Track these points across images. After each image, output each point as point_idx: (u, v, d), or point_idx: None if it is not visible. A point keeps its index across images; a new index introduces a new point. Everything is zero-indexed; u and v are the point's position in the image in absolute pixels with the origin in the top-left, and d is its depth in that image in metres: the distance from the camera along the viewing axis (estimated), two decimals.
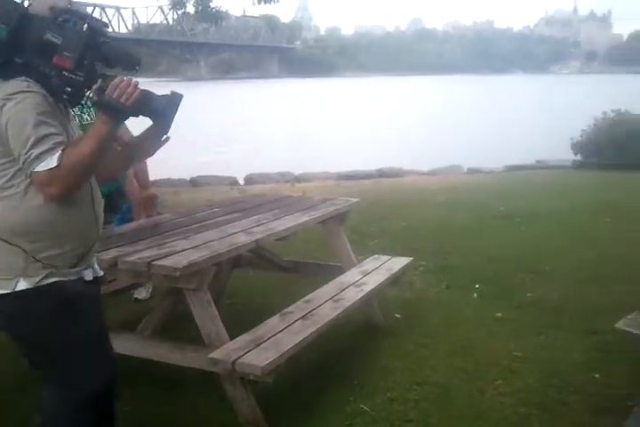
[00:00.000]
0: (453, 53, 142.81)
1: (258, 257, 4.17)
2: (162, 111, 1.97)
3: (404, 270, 4.06)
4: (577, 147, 12.39)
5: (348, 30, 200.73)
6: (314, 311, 3.18)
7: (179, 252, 2.87)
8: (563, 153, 12.85)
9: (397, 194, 8.87)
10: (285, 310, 3.19)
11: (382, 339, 3.78)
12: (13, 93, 1.83)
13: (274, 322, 3.03)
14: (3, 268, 1.93)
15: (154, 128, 2.05)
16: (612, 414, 2.87)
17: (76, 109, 3.48)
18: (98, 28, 1.93)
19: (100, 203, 2.11)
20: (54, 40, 1.85)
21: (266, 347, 2.75)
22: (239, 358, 2.63)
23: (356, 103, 37.58)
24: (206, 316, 2.82)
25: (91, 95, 1.92)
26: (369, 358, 3.53)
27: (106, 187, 2.82)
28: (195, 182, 11.07)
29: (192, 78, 80.00)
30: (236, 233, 3.25)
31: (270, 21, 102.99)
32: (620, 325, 3.11)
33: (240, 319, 3.38)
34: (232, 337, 2.82)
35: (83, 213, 2.00)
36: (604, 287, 4.54)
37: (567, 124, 14.33)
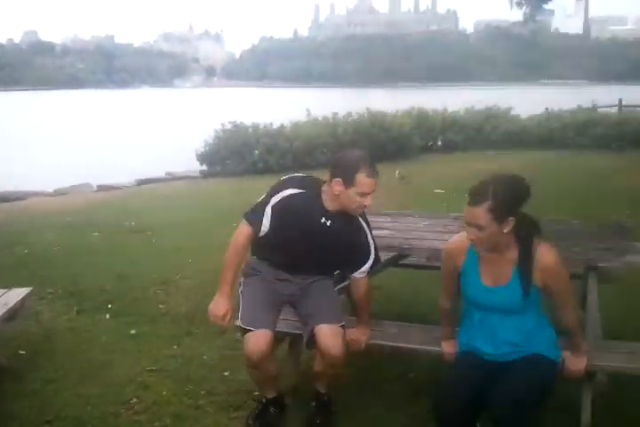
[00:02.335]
0: (73, 68, 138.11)
1: None
2: None
3: (22, 303, 3.73)
4: (202, 157, 13.02)
5: None
6: None
7: None
8: (190, 164, 13.38)
9: (18, 219, 8.17)
10: None
11: (5, 381, 3.42)
12: None
13: None
14: None
15: None
16: (240, 409, 3.06)
17: None
18: None
19: None
20: None
21: None
22: None
23: None
24: None
25: None
26: None
27: None
28: None
29: None
30: None
31: None
32: (239, 322, 3.33)
33: None
34: None
35: None
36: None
37: (192, 136, 14.92)
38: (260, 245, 2.90)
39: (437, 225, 3.73)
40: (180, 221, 7.44)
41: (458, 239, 2.57)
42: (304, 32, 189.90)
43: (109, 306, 4.56)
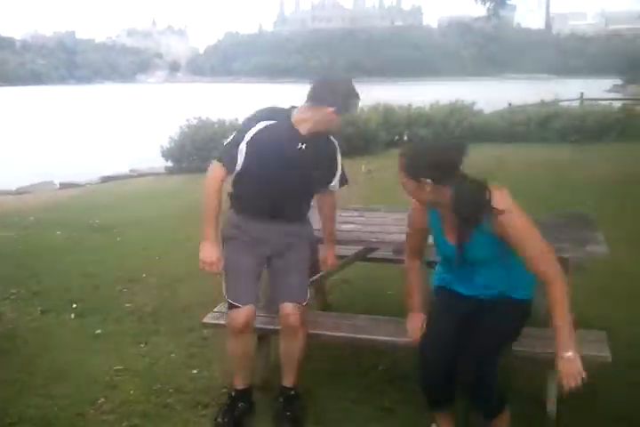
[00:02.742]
0: (34, 64, 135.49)
1: None
2: None
3: None
4: (167, 153, 12.87)
5: None
6: None
7: None
8: (155, 160, 13.23)
9: None
10: None
11: None
12: None
13: None
14: None
15: None
16: (209, 406, 3.04)
17: None
18: None
19: None
20: None
21: None
22: None
23: None
24: None
25: None
26: None
27: None
28: None
29: None
30: None
31: None
32: (208, 319, 3.32)
33: None
34: None
35: None
36: (197, 285, 4.78)
37: (157, 132, 14.76)
38: (237, 192, 2.93)
39: (404, 219, 3.74)
40: (146, 219, 7.36)
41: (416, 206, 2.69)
42: (269, 27, 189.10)
43: (74, 305, 4.49)
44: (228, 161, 2.80)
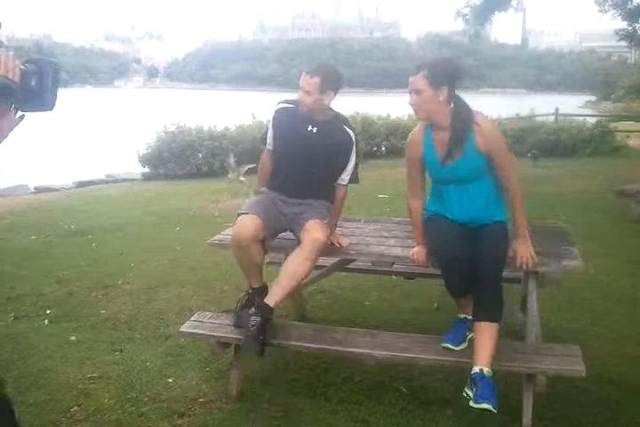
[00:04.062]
0: None
1: None
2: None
3: None
4: (144, 160, 12.81)
5: None
6: None
7: None
8: (132, 166, 13.15)
9: None
10: None
11: None
12: None
13: None
14: None
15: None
16: (185, 415, 3.01)
17: None
18: None
19: None
20: None
21: None
22: None
23: None
24: None
25: None
26: None
27: None
28: None
29: None
30: None
31: None
32: (185, 327, 3.30)
33: None
34: None
35: None
36: (174, 293, 4.76)
37: (134, 138, 14.66)
38: (271, 169, 3.42)
39: (382, 230, 3.77)
40: (122, 225, 7.30)
41: (416, 129, 3.10)
42: (249, 35, 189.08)
43: (48, 312, 4.43)
44: (265, 142, 3.40)
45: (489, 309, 2.80)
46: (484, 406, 2.51)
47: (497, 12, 12.57)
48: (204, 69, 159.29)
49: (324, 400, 3.15)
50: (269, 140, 3.37)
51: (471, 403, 2.55)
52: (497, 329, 2.77)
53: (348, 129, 3.30)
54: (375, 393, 3.19)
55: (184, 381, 3.37)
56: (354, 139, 3.30)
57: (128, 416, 3.01)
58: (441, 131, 2.95)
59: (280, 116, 3.31)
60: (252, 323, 2.91)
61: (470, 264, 2.82)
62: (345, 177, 3.33)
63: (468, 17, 12.60)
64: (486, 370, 2.64)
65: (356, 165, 3.33)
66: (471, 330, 2.89)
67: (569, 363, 2.79)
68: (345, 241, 3.36)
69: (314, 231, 3.05)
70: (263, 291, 3.18)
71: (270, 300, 3.01)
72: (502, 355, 2.80)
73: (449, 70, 2.88)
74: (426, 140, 3.02)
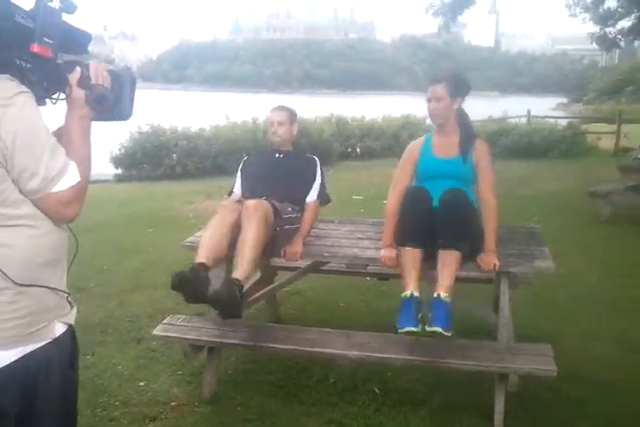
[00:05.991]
0: None
1: None
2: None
3: None
4: (116, 160, 12.63)
5: None
6: None
7: None
8: (103, 167, 12.96)
9: None
10: None
11: None
12: (11, 97, 1.40)
13: None
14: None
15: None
16: (156, 420, 2.98)
17: None
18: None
19: None
20: (25, 23, 1.41)
21: None
22: None
23: None
24: None
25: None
26: None
27: None
28: None
29: None
30: None
31: None
32: (158, 331, 3.27)
33: None
34: None
35: None
36: (146, 295, 4.71)
37: (106, 138, 14.47)
38: None
39: (357, 231, 3.77)
40: (94, 227, 7.18)
41: (418, 139, 3.46)
42: (223, 36, 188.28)
43: None
44: (230, 193, 3.73)
45: (449, 237, 2.95)
46: (435, 328, 2.63)
47: (466, 9, 12.62)
48: (178, 69, 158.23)
49: (297, 402, 3.14)
50: (237, 189, 3.71)
51: (425, 326, 2.67)
52: (457, 257, 2.94)
53: (311, 156, 3.74)
54: (349, 394, 3.19)
55: (156, 384, 3.34)
56: (317, 162, 3.67)
57: (99, 421, 2.97)
58: (444, 135, 3.31)
59: (250, 160, 3.85)
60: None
61: (430, 209, 3.07)
62: (313, 194, 3.58)
63: (439, 11, 12.64)
64: (443, 295, 2.79)
65: (323, 185, 3.63)
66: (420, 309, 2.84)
67: (541, 362, 2.82)
68: (294, 254, 3.31)
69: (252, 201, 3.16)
70: (204, 268, 2.86)
71: (238, 273, 2.87)
72: (474, 355, 2.82)
73: (465, 84, 3.31)
74: (425, 143, 3.36)
